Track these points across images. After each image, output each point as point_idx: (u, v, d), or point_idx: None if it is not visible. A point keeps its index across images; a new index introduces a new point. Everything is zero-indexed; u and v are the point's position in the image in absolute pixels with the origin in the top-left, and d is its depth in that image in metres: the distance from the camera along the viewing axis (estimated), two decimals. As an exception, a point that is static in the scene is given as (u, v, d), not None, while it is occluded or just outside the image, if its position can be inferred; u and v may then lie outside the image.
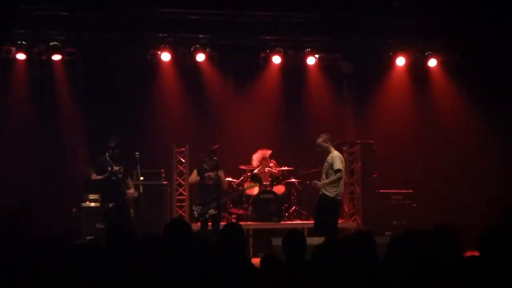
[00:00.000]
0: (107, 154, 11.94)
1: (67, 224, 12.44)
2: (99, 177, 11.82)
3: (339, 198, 11.40)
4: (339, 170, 11.06)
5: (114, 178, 11.60)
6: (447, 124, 15.02)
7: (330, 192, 11.16)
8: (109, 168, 11.68)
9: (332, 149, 11.48)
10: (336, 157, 11.29)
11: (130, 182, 12.06)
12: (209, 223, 12.13)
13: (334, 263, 4.87)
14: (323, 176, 11.36)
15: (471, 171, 14.15)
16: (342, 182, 11.39)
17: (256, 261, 5.18)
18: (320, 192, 11.27)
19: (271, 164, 14.58)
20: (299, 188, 14.67)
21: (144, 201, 12.95)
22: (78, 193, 13.51)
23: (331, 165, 11.25)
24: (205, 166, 12.39)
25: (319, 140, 11.40)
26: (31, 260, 5.17)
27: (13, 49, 13.68)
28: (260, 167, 14.48)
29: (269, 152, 14.56)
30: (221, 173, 12.42)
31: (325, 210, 11.23)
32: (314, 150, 14.34)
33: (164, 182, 13.97)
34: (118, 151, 11.81)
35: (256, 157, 14.54)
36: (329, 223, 10.91)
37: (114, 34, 13.78)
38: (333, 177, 11.19)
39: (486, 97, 14.46)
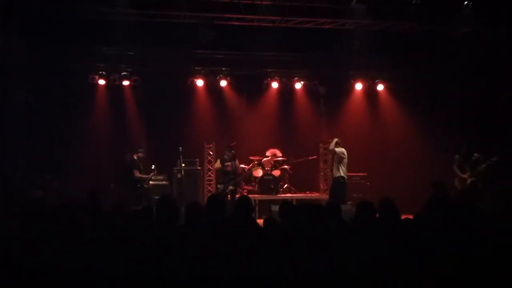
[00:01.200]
0: (136, 158, 12.37)
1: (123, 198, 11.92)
2: (144, 176, 12.41)
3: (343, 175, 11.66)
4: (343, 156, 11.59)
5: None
6: (391, 128, 15.03)
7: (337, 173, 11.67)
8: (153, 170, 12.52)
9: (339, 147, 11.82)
10: (339, 151, 11.71)
11: None
12: (229, 196, 12.12)
13: (314, 223, 4.85)
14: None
15: (408, 160, 14.22)
16: (342, 167, 11.67)
17: (260, 221, 5.36)
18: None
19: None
20: (290, 172, 14.69)
21: (185, 181, 13.26)
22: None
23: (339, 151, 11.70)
24: (225, 156, 12.46)
25: (333, 143, 11.81)
26: (106, 224, 5.23)
27: (96, 77, 13.70)
28: (270, 157, 14.50)
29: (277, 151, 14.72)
30: (236, 162, 12.41)
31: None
32: (301, 145, 14.80)
33: (198, 168, 13.96)
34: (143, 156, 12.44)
35: (269, 152, 14.61)
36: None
37: (165, 67, 13.72)
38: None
39: (417, 110, 14.57)
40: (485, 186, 11.26)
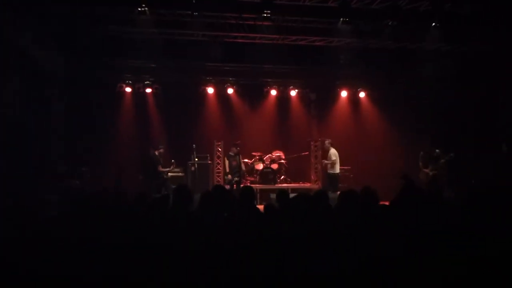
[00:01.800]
0: (158, 154, 12.34)
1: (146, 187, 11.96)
2: (165, 169, 12.41)
3: (337, 172, 12.49)
4: (334, 160, 12.27)
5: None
6: (371, 129, 15.02)
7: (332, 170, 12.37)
8: (172, 164, 12.52)
9: (331, 148, 12.50)
10: (331, 153, 12.39)
11: None
12: (235, 186, 12.27)
13: (304, 207, 4.98)
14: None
15: (385, 156, 14.19)
16: (337, 166, 12.40)
17: (260, 207, 5.38)
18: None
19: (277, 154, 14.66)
20: (286, 165, 14.70)
21: (198, 172, 13.31)
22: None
23: (330, 156, 12.30)
24: (231, 153, 12.57)
25: (326, 142, 12.70)
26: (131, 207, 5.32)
27: (124, 85, 13.83)
28: (275, 156, 14.53)
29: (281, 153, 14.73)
30: (240, 157, 12.55)
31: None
32: (295, 143, 14.80)
33: (209, 162, 13.93)
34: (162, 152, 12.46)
35: (274, 153, 14.57)
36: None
37: (181, 77, 13.75)
38: (329, 162, 12.28)
39: (392, 114, 14.59)
40: (446, 177, 11.32)
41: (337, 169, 12.65)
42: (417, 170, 12.02)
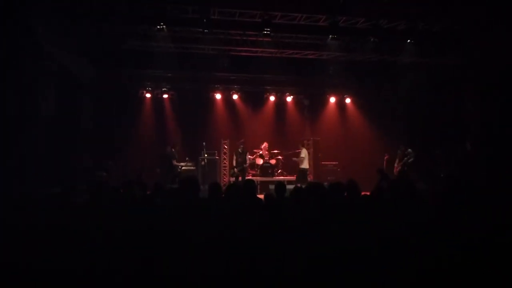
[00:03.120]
0: (173, 150, 12.40)
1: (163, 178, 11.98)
2: (179, 164, 12.53)
3: (306, 168, 12.69)
4: (303, 157, 12.28)
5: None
6: (355, 130, 15.03)
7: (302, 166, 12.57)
8: (186, 160, 12.64)
9: (303, 148, 12.83)
10: (302, 152, 12.71)
11: None
12: (240, 178, 12.27)
13: (300, 198, 4.93)
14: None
15: (367, 153, 14.14)
16: (305, 162, 12.66)
17: (260, 196, 5.41)
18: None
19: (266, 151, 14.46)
20: (282, 161, 14.58)
21: (207, 167, 13.34)
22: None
23: (300, 154, 12.61)
24: (239, 150, 12.60)
25: (300, 145, 13.10)
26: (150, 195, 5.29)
27: (144, 91, 13.88)
28: (262, 149, 14.30)
29: (266, 144, 14.47)
30: (247, 154, 12.62)
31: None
32: (290, 142, 14.81)
33: (217, 157, 13.89)
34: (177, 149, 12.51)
35: (263, 146, 14.40)
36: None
37: (194, 85, 13.86)
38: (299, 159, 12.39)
39: (374, 117, 14.61)
40: (415, 172, 11.39)
41: (306, 165, 12.97)
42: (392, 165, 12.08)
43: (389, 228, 3.62)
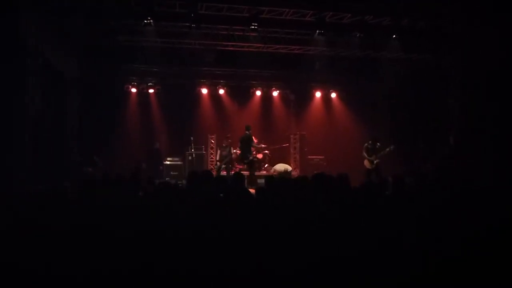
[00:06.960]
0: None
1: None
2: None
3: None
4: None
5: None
6: (341, 124, 15.11)
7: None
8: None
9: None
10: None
11: None
12: (225, 172, 12.31)
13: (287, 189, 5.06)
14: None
15: (351, 147, 13.81)
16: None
17: (252, 191, 5.37)
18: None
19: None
20: (269, 155, 14.62)
21: (194, 161, 13.36)
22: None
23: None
24: (223, 144, 12.61)
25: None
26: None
27: (130, 86, 13.83)
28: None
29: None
30: (231, 148, 12.64)
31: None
32: (276, 136, 14.80)
33: (204, 152, 13.98)
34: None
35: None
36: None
37: (179, 79, 13.83)
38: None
39: (358, 111, 14.72)
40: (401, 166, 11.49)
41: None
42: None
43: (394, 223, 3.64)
